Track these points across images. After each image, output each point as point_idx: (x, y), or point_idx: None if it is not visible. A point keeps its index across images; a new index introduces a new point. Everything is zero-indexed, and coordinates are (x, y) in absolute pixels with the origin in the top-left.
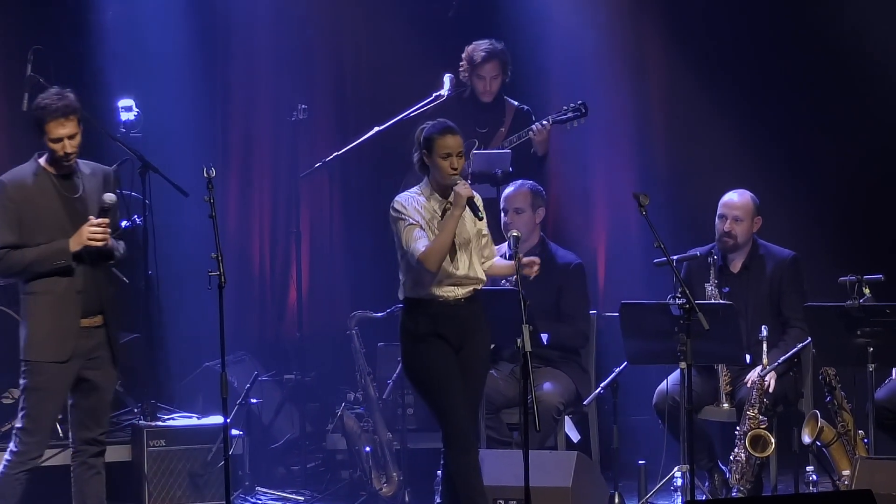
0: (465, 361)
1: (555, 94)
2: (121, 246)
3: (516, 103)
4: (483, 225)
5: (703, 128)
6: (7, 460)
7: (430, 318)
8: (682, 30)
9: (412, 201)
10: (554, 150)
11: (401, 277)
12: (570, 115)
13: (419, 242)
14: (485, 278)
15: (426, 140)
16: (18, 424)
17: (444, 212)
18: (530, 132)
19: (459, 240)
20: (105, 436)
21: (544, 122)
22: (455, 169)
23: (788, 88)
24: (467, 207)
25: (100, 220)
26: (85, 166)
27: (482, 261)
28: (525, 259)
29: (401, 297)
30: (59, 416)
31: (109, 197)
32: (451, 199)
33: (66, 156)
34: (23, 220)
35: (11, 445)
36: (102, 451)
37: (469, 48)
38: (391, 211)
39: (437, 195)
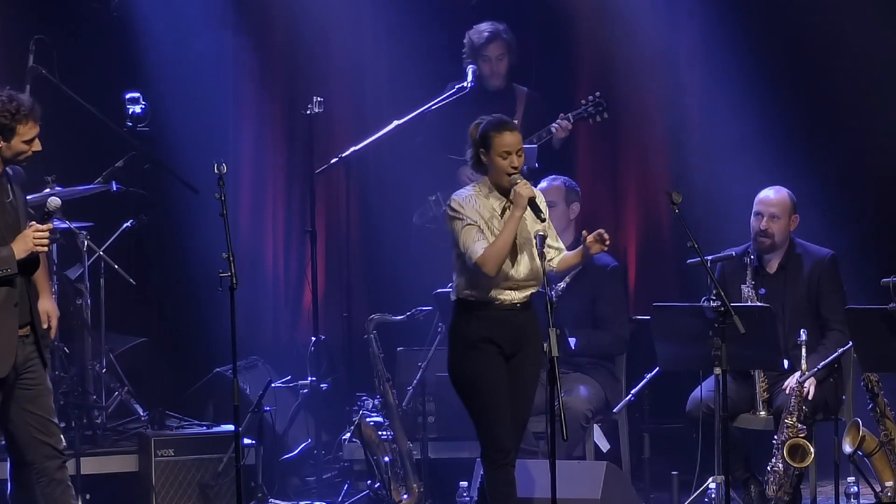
0: (515, 371)
1: (583, 87)
2: None
3: (525, 88)
4: (547, 221)
5: (738, 123)
6: None
7: (484, 322)
8: (717, 21)
9: (470, 200)
10: (582, 145)
11: (454, 278)
12: (590, 109)
13: (478, 244)
14: (542, 278)
15: (483, 137)
16: None
17: (503, 210)
18: (552, 130)
19: (520, 240)
20: (61, 443)
21: (567, 119)
22: (515, 168)
23: (826, 82)
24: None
25: (46, 226)
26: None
27: (549, 257)
28: (591, 237)
29: (453, 298)
30: None
31: (55, 201)
32: (511, 197)
33: (32, 154)
34: None
35: None
36: (65, 462)
37: (469, 32)
38: (447, 210)
39: (496, 192)
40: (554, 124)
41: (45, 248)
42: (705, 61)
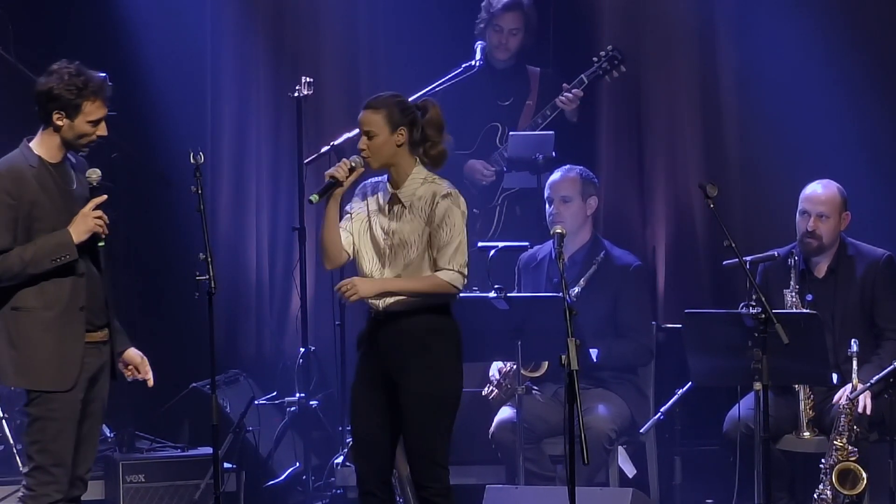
0: (397, 391)
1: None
2: None
3: (538, 68)
4: (438, 225)
5: (783, 107)
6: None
7: (366, 329)
8: None
9: (360, 192)
10: (604, 129)
11: None
12: (604, 65)
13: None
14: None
15: None
16: (32, 463)
17: (390, 201)
18: (560, 103)
19: (394, 240)
20: (87, 473)
21: (573, 91)
22: (361, 149)
23: (885, 61)
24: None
25: (101, 198)
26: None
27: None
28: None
29: None
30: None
31: (96, 172)
32: (396, 189)
33: (96, 140)
34: (21, 219)
35: (25, 488)
36: (81, 495)
37: None
38: None
39: (389, 182)
40: (559, 98)
41: (104, 226)
42: (745, 31)
